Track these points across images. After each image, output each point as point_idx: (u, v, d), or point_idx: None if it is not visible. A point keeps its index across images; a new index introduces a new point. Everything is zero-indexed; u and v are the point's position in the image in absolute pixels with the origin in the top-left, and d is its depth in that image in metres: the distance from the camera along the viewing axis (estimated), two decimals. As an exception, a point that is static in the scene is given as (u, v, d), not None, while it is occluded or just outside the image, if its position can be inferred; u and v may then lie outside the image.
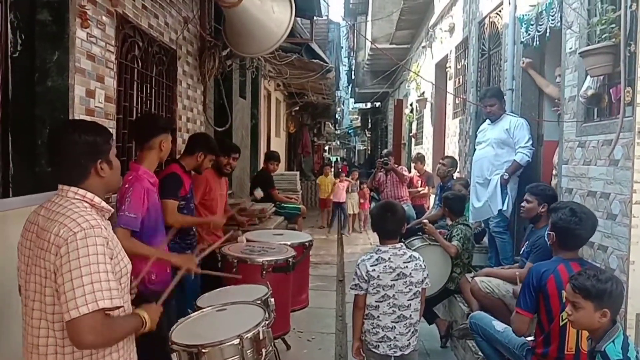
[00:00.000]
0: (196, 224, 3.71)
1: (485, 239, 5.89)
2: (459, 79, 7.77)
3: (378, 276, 2.88)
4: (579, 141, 3.92)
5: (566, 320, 2.70)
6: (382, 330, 2.89)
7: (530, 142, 4.73)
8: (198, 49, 5.16)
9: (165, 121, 3.08)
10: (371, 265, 2.90)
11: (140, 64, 3.76)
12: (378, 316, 2.90)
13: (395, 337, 2.88)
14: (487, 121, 5.12)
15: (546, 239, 3.09)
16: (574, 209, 2.90)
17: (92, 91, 2.97)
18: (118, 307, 1.64)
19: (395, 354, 2.88)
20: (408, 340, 2.92)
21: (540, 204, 3.74)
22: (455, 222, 4.69)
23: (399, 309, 2.89)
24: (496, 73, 6.03)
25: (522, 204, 3.89)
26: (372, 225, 3.19)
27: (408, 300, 2.90)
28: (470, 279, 4.39)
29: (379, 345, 2.89)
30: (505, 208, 4.81)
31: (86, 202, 1.72)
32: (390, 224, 2.98)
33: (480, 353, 3.76)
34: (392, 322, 2.89)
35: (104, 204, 1.77)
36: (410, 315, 2.91)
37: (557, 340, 2.77)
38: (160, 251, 2.73)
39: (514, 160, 4.73)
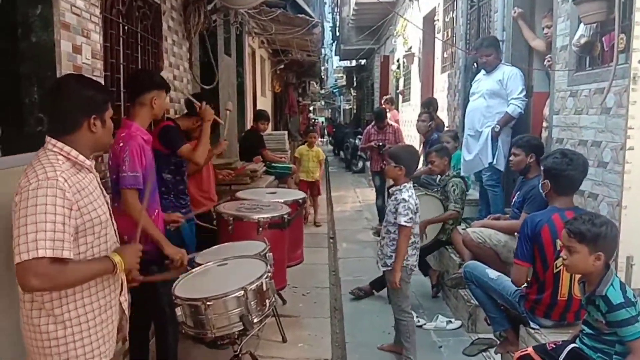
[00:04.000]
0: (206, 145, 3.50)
1: (474, 191, 5.97)
2: (448, 32, 7.67)
3: (417, 207, 3.35)
4: (570, 91, 3.93)
5: (560, 267, 2.78)
6: (416, 250, 3.44)
7: (524, 93, 4.68)
8: (182, 3, 4.97)
9: (161, 78, 3.00)
10: (414, 199, 3.33)
11: (125, 19, 3.63)
12: (416, 240, 3.42)
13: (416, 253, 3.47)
14: (482, 71, 5.05)
15: (540, 190, 3.13)
16: (564, 151, 2.95)
17: (79, 47, 2.86)
18: (64, 259, 1.66)
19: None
20: None
21: (528, 155, 3.79)
22: (446, 175, 4.71)
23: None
24: (486, 24, 5.96)
25: (510, 158, 3.93)
26: (403, 161, 3.37)
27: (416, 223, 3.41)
28: (461, 230, 4.46)
29: (415, 265, 3.47)
30: (494, 161, 4.81)
31: (62, 155, 1.76)
32: (417, 164, 3.55)
33: (472, 301, 3.87)
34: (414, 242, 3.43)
35: (81, 157, 1.81)
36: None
37: (551, 287, 2.85)
38: (161, 235, 2.65)
39: (506, 112, 4.69)
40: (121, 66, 3.56)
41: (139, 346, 3.01)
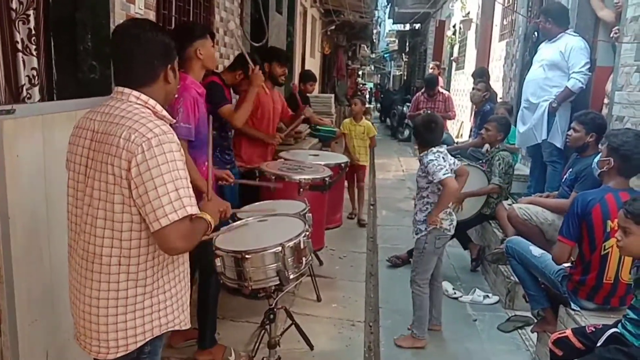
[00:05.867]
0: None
1: (523, 167, 5.79)
2: (509, -2, 7.32)
3: (454, 164, 3.26)
4: (637, 66, 3.70)
5: (608, 249, 2.68)
6: (449, 216, 3.29)
7: (587, 66, 4.34)
8: (236, -43, 4.95)
9: (200, 27, 2.97)
10: (442, 158, 3.18)
11: (178, -30, 3.63)
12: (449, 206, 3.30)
13: (454, 218, 3.35)
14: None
15: (596, 167, 2.99)
16: (637, 133, 2.79)
17: (133, -4, 2.89)
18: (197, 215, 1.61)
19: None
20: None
21: (588, 133, 3.60)
22: (496, 148, 4.55)
23: None
24: (551, -9, 5.63)
25: (569, 132, 3.74)
26: (419, 136, 3.35)
27: None
28: (507, 206, 4.34)
29: (449, 229, 3.29)
30: (549, 137, 4.59)
31: (148, 108, 1.63)
32: (436, 133, 3.26)
33: (512, 277, 3.80)
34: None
35: (165, 112, 1.68)
36: None
37: (597, 269, 2.75)
38: (208, 186, 2.69)
39: (565, 86, 4.39)
40: (173, 18, 3.58)
41: None
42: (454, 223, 3.33)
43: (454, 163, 3.29)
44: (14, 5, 2.26)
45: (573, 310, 2.85)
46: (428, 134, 3.26)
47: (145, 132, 1.52)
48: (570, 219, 2.80)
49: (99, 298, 1.61)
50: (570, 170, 3.79)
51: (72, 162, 1.67)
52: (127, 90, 1.63)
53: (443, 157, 3.19)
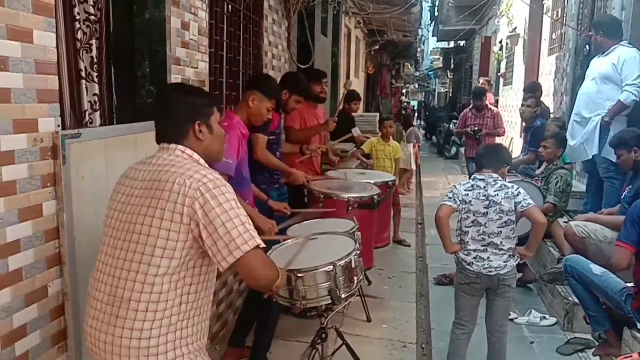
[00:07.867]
0: (280, 169, 3.61)
1: (579, 183, 5.59)
2: (558, 12, 7.15)
3: (470, 201, 2.92)
4: (699, 76, 3.53)
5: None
6: (474, 252, 2.93)
7: None
8: (283, -18, 5.06)
9: (272, 87, 3.04)
10: (465, 190, 2.95)
11: (228, -3, 3.76)
12: (467, 241, 2.95)
13: (488, 258, 2.90)
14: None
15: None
16: None
17: (187, 23, 3.00)
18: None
19: (490, 274, 2.89)
20: (504, 262, 2.90)
21: (631, 151, 3.54)
22: (554, 164, 4.42)
23: (489, 237, 2.89)
24: (602, 3, 5.49)
25: (616, 161, 3.70)
26: (476, 160, 3.21)
27: (498, 227, 2.88)
28: (563, 223, 4.20)
29: (472, 263, 2.94)
30: (600, 153, 4.41)
31: (193, 160, 1.69)
32: (492, 157, 3.02)
33: (570, 298, 3.65)
34: (482, 246, 2.92)
35: (207, 166, 1.72)
36: (501, 242, 2.88)
37: (663, 285, 2.62)
38: (250, 209, 2.79)
39: (618, 99, 4.23)
40: (224, 43, 3.69)
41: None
42: (488, 265, 2.88)
43: (497, 190, 2.89)
44: (79, 35, 2.39)
45: (639, 331, 2.70)
46: (486, 154, 3.10)
47: (200, 177, 1.58)
48: (629, 224, 2.72)
49: (130, 347, 1.56)
50: (630, 187, 3.65)
51: (112, 209, 1.72)
52: (172, 145, 1.71)
53: (472, 185, 2.95)
